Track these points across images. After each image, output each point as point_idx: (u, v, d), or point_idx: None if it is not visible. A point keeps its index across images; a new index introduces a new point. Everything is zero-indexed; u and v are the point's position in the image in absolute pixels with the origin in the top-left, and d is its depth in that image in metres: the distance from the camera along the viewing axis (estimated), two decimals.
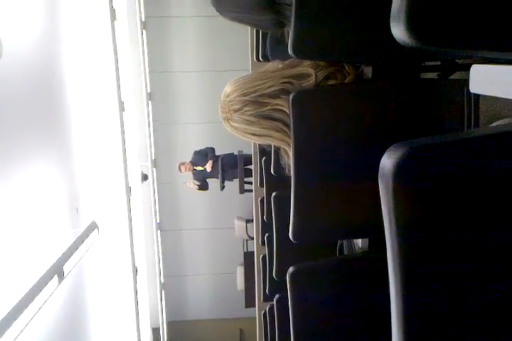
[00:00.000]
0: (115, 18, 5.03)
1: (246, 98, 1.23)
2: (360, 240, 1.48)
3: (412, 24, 0.48)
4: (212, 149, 6.62)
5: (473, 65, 0.70)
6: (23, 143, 3.20)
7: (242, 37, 5.22)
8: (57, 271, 3.21)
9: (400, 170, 0.45)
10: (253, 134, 1.28)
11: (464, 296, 0.50)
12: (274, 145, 1.39)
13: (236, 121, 1.26)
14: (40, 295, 2.91)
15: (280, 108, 1.23)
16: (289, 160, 1.28)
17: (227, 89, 1.28)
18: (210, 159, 6.54)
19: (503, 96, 0.63)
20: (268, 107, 1.23)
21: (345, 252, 1.73)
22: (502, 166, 0.46)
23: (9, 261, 2.83)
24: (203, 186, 6.75)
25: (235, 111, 1.25)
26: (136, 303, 5.59)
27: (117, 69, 5.07)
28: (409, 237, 0.47)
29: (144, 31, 6.92)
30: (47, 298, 3.02)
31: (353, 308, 1.35)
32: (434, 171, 0.46)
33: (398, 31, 0.48)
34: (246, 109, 1.24)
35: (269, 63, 1.34)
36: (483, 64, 0.71)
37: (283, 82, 1.24)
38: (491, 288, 0.50)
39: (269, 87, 1.23)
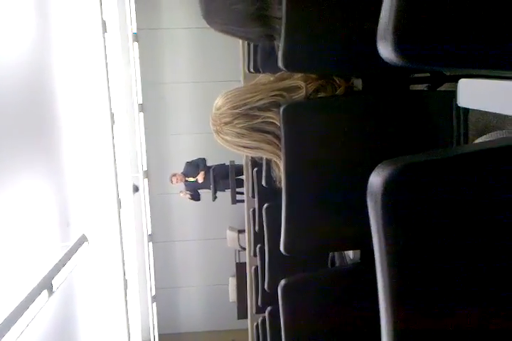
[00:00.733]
0: (106, 30, 5.04)
1: (237, 111, 1.24)
2: (351, 252, 1.48)
3: (399, 44, 0.48)
4: (204, 160, 6.62)
5: (460, 79, 0.71)
6: (12, 156, 3.18)
7: (233, 48, 5.25)
8: (46, 285, 3.17)
9: (389, 189, 0.45)
10: (244, 147, 1.28)
11: (455, 313, 0.50)
12: (266, 158, 1.39)
13: (227, 134, 1.26)
14: (29, 310, 2.87)
15: (271, 120, 1.23)
16: (279, 172, 1.28)
17: (218, 102, 1.28)
18: (202, 170, 6.54)
19: (490, 111, 0.63)
20: (259, 120, 1.23)
21: (337, 264, 1.73)
22: (491, 183, 0.46)
23: None
24: (195, 197, 6.74)
25: (226, 123, 1.25)
26: (127, 316, 5.53)
27: (108, 81, 5.07)
28: (398, 256, 0.47)
29: (135, 43, 6.94)
30: (36, 312, 2.97)
31: (345, 320, 1.34)
32: (422, 189, 0.46)
33: (385, 51, 0.48)
34: (237, 121, 1.24)
35: (260, 76, 1.35)
36: (470, 76, 0.71)
37: (273, 95, 1.24)
38: (481, 305, 0.50)
39: (260, 99, 1.23)
